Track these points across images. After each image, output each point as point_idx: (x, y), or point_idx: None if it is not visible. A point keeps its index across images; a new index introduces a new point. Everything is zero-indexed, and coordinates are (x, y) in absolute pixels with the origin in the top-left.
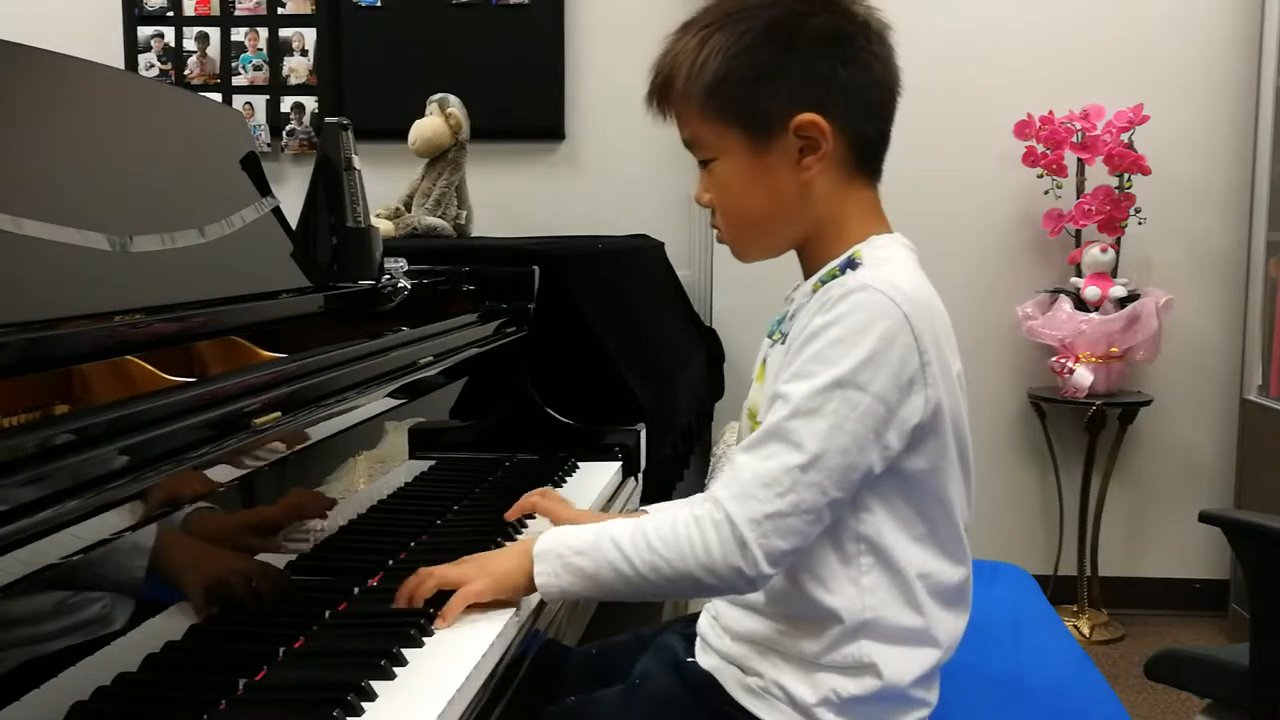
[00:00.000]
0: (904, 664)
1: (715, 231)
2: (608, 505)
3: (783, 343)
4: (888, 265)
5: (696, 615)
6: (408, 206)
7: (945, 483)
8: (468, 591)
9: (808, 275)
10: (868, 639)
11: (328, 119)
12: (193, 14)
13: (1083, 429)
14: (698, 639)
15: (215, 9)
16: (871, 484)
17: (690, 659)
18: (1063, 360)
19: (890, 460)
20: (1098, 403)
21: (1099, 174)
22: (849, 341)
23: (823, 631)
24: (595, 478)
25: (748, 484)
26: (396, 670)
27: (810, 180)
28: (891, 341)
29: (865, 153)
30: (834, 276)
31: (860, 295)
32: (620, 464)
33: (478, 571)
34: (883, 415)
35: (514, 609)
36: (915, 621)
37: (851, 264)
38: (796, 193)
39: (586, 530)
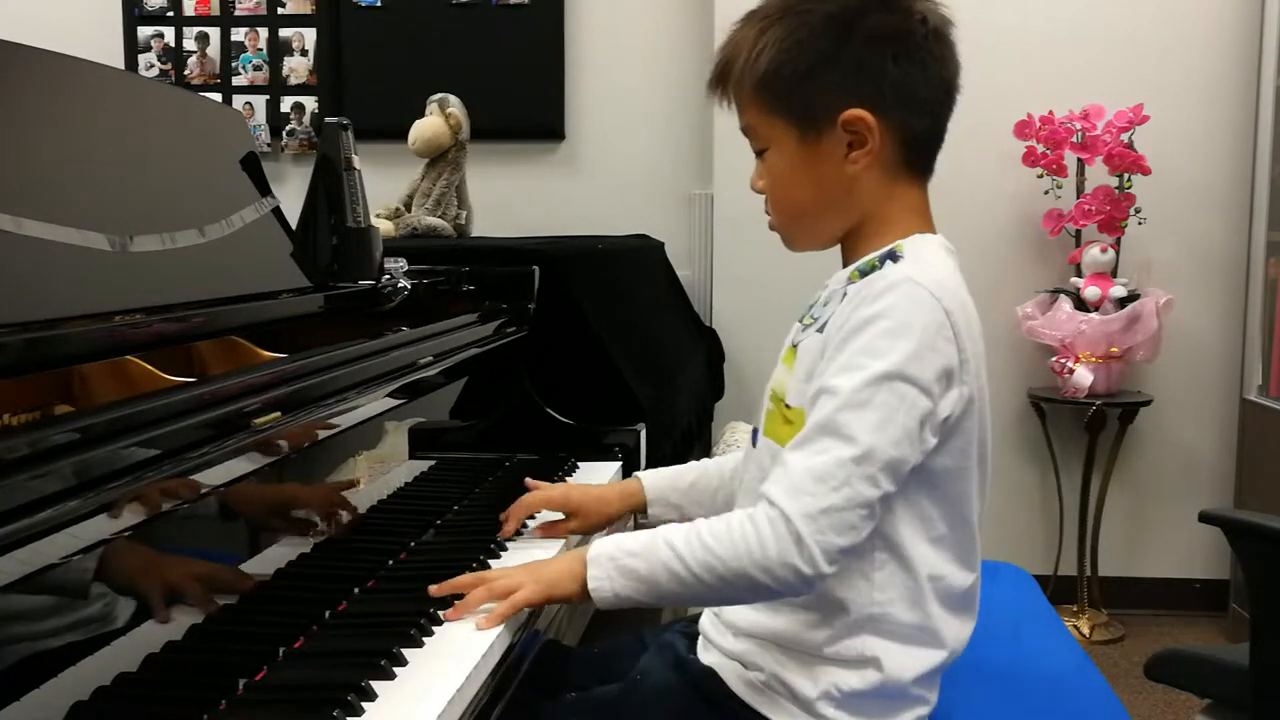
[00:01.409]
0: (906, 660)
1: (768, 219)
2: None
3: (817, 330)
4: (927, 263)
5: (698, 616)
6: (408, 206)
7: (965, 484)
8: (517, 600)
9: (846, 265)
10: (871, 634)
11: (328, 119)
12: (193, 14)
13: (1083, 429)
14: (700, 637)
15: (215, 9)
16: None
17: (692, 656)
18: (1063, 360)
19: (923, 455)
20: (1098, 403)
21: (1099, 174)
22: (896, 334)
23: (828, 623)
24: (595, 478)
25: (800, 479)
26: (396, 670)
27: (857, 175)
28: (936, 335)
29: (915, 150)
30: (873, 268)
31: (905, 288)
32: (620, 464)
33: (528, 578)
34: (927, 409)
35: None
36: (921, 622)
37: (892, 256)
38: (843, 186)
39: (641, 533)
